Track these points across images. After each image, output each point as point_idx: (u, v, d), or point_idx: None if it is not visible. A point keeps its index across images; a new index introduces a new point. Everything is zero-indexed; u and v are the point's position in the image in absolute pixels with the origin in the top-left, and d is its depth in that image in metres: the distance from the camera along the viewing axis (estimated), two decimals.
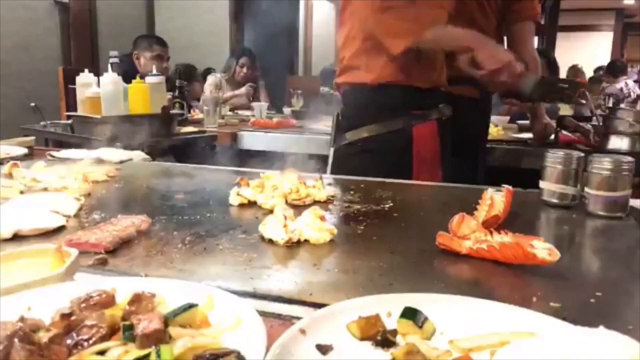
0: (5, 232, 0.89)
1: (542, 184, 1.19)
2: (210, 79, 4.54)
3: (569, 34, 10.58)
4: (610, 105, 3.64)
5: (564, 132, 2.35)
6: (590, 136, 2.17)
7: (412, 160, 1.62)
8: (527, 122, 3.35)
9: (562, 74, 5.07)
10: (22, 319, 0.50)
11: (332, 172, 1.71)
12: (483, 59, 1.47)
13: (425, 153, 1.65)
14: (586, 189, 1.12)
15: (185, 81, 3.69)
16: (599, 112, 2.26)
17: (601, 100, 4.85)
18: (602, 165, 1.09)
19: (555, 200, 1.17)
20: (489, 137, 2.64)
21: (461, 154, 2.07)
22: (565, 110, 3.33)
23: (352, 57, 1.67)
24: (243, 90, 4.52)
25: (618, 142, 1.95)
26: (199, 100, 4.07)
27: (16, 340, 0.46)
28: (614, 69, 5.75)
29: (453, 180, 1.53)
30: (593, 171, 1.11)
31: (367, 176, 1.48)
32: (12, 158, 1.71)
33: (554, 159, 1.16)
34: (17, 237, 0.90)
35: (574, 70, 8.15)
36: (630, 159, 1.10)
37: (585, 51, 10.28)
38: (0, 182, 1.23)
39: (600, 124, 2.09)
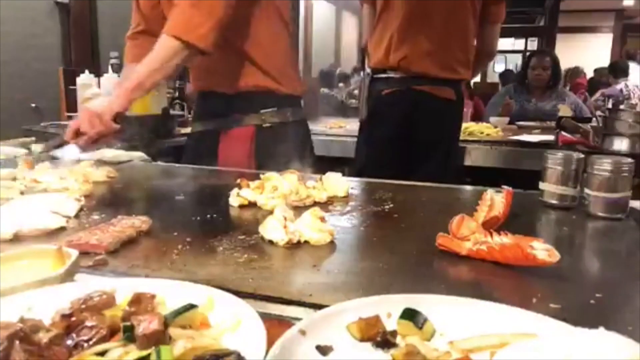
0: (5, 233, 0.89)
1: (542, 185, 1.19)
2: None
3: (568, 35, 10.58)
4: (610, 106, 3.64)
5: (564, 133, 2.35)
6: (590, 137, 2.17)
7: (217, 162, 1.68)
8: (527, 123, 3.36)
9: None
10: (22, 320, 0.51)
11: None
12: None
13: (232, 157, 1.68)
14: (586, 190, 1.12)
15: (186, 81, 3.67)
16: (598, 113, 2.26)
17: (600, 101, 4.85)
18: (602, 166, 1.09)
19: (555, 202, 1.17)
20: (488, 138, 2.65)
21: (429, 153, 2.14)
22: (564, 111, 3.33)
23: None
24: None
25: (618, 143, 1.95)
26: None
27: (16, 341, 0.46)
28: (616, 70, 5.72)
29: (420, 180, 1.53)
30: (593, 172, 1.11)
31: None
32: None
33: (553, 160, 1.16)
34: (17, 238, 0.90)
35: (576, 72, 8.15)
36: (630, 160, 1.10)
37: (585, 52, 10.29)
38: (0, 183, 1.23)
39: (600, 125, 2.09)
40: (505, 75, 7.22)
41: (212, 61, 1.55)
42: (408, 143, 2.19)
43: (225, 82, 1.66)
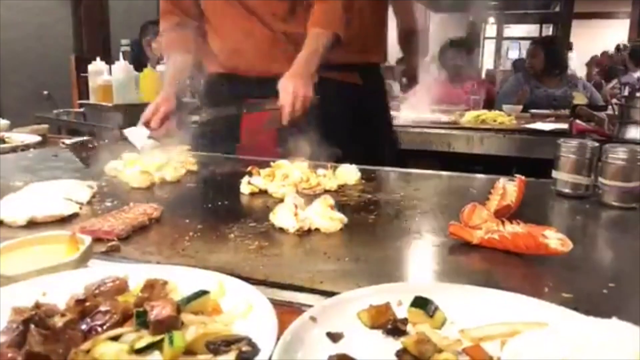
0: (20, 219, 0.90)
1: (555, 174, 1.17)
2: None
3: (584, 21, 10.39)
4: (626, 94, 3.57)
5: (578, 121, 2.32)
6: (605, 125, 2.14)
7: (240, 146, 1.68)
8: (541, 110, 3.32)
9: (580, 62, 4.96)
10: (37, 305, 0.51)
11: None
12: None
13: (256, 140, 1.68)
14: (600, 179, 1.11)
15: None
16: (614, 101, 2.22)
17: (617, 89, 4.77)
18: (616, 155, 1.08)
19: (568, 191, 1.16)
20: (501, 126, 2.63)
21: (355, 138, 2.03)
22: (579, 99, 3.29)
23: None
24: None
25: (633, 132, 1.92)
26: None
27: (32, 325, 0.47)
28: (637, 56, 5.54)
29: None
30: (607, 161, 1.09)
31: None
32: (26, 146, 1.73)
33: (567, 149, 1.15)
34: (31, 224, 0.91)
35: (606, 56, 8.01)
36: None
37: (601, 38, 10.09)
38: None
39: (616, 113, 2.05)
40: (518, 63, 7.12)
41: (257, 43, 1.63)
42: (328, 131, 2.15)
43: (261, 65, 1.68)
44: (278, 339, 0.49)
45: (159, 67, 2.54)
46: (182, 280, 0.61)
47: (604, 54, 8.02)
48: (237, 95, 1.70)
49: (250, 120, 1.68)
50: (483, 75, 6.61)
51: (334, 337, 0.53)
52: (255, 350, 0.47)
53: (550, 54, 3.76)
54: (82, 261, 0.67)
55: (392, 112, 2.77)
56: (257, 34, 1.68)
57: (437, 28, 8.68)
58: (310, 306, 0.58)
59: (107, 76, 2.43)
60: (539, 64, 3.76)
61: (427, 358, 0.48)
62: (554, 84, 3.74)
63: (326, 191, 1.17)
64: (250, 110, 1.67)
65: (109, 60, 2.57)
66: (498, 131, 2.47)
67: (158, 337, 0.48)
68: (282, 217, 0.91)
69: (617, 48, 7.71)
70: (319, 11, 1.64)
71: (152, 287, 0.57)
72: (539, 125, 2.60)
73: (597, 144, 1.14)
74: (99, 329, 0.50)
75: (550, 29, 10.11)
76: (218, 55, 1.75)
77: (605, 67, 7.02)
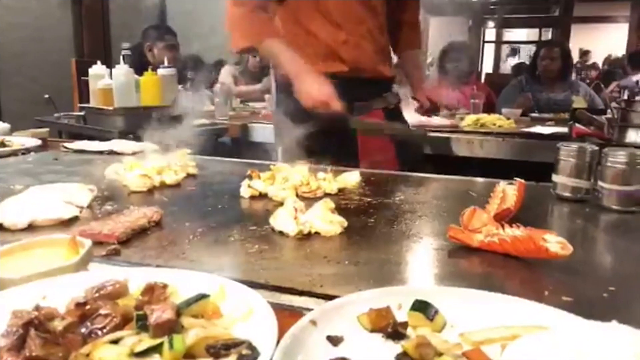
0: (20, 222, 0.90)
1: (555, 178, 1.17)
2: (225, 71, 4.50)
3: (583, 25, 10.41)
4: (625, 97, 3.58)
5: (578, 125, 2.32)
6: (605, 129, 2.14)
7: (357, 150, 1.65)
8: (541, 114, 3.32)
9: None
10: (37, 308, 0.51)
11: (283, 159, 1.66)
12: (299, 94, 1.49)
13: (372, 143, 1.67)
14: (600, 183, 1.11)
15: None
16: (614, 104, 2.23)
17: (616, 92, 4.77)
18: (616, 158, 1.08)
19: (568, 194, 1.16)
20: (501, 130, 2.63)
21: None
22: (579, 102, 3.29)
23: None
24: (259, 86, 4.42)
25: (633, 136, 1.92)
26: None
27: (31, 328, 0.47)
28: (636, 60, 5.54)
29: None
30: (607, 164, 1.09)
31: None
32: (26, 149, 1.73)
33: (567, 152, 1.15)
34: (31, 228, 0.91)
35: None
36: None
37: (600, 42, 10.11)
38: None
39: (615, 116, 2.06)
40: (519, 67, 7.13)
41: (374, 39, 1.70)
42: None
43: (377, 62, 1.72)
44: (278, 342, 0.49)
45: (160, 71, 2.54)
46: (182, 283, 0.61)
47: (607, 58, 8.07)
48: (344, 96, 1.58)
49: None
50: (483, 79, 6.62)
51: (334, 340, 0.53)
52: (255, 353, 0.47)
53: (566, 57, 3.75)
54: (82, 264, 0.67)
55: None
56: (373, 27, 1.70)
57: (436, 31, 8.70)
58: (310, 310, 0.58)
59: (108, 80, 2.44)
60: (555, 67, 3.72)
61: None
62: (558, 88, 3.74)
63: (326, 194, 1.17)
64: (362, 112, 1.66)
65: (110, 63, 2.57)
66: (498, 135, 2.47)
67: (158, 341, 0.48)
68: (282, 221, 0.91)
69: (582, 54, 7.76)
70: (413, 35, 1.93)
71: (152, 291, 0.57)
72: (539, 129, 2.60)
73: (596, 148, 1.14)
74: (99, 333, 0.50)
75: (550, 33, 10.14)
76: (337, 50, 1.65)
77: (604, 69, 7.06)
